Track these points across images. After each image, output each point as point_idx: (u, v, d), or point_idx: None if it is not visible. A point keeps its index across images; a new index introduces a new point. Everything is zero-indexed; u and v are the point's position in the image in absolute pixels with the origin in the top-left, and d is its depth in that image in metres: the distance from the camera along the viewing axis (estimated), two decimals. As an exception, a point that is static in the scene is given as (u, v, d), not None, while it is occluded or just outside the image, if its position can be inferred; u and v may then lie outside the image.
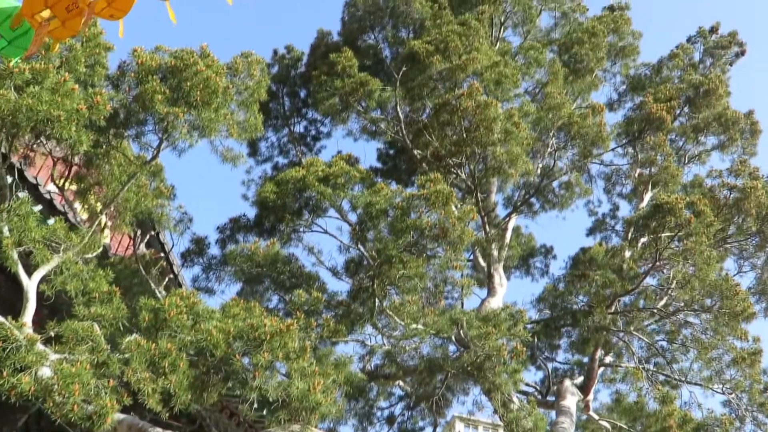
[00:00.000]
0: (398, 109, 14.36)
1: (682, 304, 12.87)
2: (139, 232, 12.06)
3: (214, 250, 13.08)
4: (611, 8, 18.32)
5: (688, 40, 18.56)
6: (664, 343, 14.80)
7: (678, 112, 16.09)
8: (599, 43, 15.84)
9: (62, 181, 10.42)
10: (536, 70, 15.19)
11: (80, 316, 7.58)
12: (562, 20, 17.97)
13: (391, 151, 18.46)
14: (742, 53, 17.99)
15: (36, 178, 9.40)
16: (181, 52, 8.91)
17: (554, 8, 17.77)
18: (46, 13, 4.86)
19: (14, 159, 8.64)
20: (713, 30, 18.30)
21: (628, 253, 13.94)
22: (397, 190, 10.33)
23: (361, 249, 11.01)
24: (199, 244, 12.76)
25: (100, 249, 9.16)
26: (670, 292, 12.82)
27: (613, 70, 18.61)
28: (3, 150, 8.18)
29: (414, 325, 10.46)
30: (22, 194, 8.04)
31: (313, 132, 18.44)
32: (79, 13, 4.75)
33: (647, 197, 15.48)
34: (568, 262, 15.83)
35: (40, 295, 7.96)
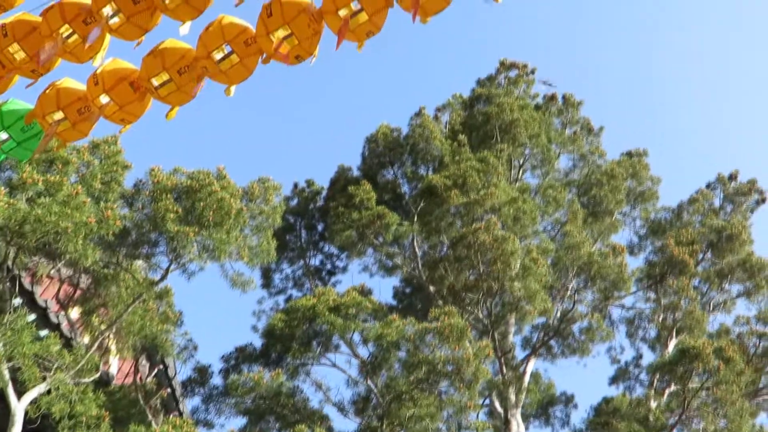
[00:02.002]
0: (415, 244, 14.24)
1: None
2: (141, 358, 11.67)
3: (217, 380, 12.56)
4: (629, 154, 18.57)
5: (708, 186, 18.62)
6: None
7: (701, 256, 15.80)
8: (618, 185, 15.88)
9: (67, 301, 10.22)
10: (555, 209, 15.15)
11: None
12: (580, 162, 18.18)
13: (407, 289, 18.16)
14: (763, 201, 17.93)
15: (32, 285, 9.16)
16: (198, 174, 8.95)
17: (573, 151, 18.04)
18: (57, 115, 4.84)
19: (17, 271, 8.48)
20: (732, 177, 18.38)
21: (654, 404, 13.15)
22: (409, 322, 9.95)
23: (371, 384, 10.46)
24: (202, 374, 12.26)
25: (98, 374, 8.77)
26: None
27: (633, 214, 18.57)
28: (8, 262, 8.05)
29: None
30: (17, 302, 7.82)
31: (329, 266, 18.29)
32: (90, 116, 4.71)
33: (672, 344, 14.84)
34: (590, 411, 14.99)
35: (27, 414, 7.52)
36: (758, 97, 34.59)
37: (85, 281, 10.39)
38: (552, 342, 15.69)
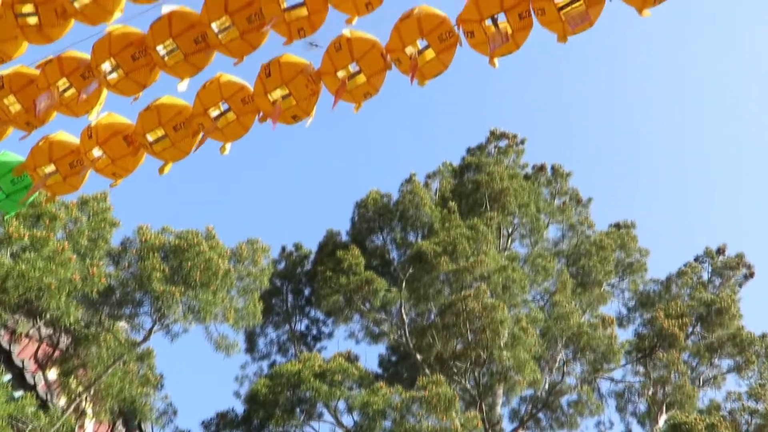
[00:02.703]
0: (403, 311, 14.10)
1: None
2: (118, 422, 11.31)
3: (196, 448, 12.17)
4: (618, 225, 18.70)
5: (696, 259, 18.68)
6: None
7: (690, 330, 15.69)
8: (607, 256, 15.92)
9: (45, 361, 9.95)
10: (544, 278, 15.12)
11: None
12: (569, 232, 18.29)
13: (393, 357, 17.88)
14: (751, 275, 18.00)
15: (10, 344, 8.89)
16: (186, 233, 8.89)
17: (562, 221, 18.16)
18: (49, 168, 4.80)
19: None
20: (720, 251, 18.48)
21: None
22: (396, 390, 9.73)
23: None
24: (180, 440, 11.86)
25: (73, 436, 8.45)
26: None
27: (622, 286, 18.55)
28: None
29: None
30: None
31: (315, 332, 18.03)
32: (81, 169, 4.68)
33: (662, 419, 14.57)
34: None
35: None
36: (745, 171, 35.22)
37: (65, 341, 10.16)
38: (540, 415, 15.40)
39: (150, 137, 3.89)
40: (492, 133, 19.26)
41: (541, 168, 18.91)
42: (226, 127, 3.64)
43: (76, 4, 3.64)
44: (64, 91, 3.83)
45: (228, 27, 3.34)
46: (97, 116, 4.01)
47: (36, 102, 3.74)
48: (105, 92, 3.89)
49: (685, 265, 18.31)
